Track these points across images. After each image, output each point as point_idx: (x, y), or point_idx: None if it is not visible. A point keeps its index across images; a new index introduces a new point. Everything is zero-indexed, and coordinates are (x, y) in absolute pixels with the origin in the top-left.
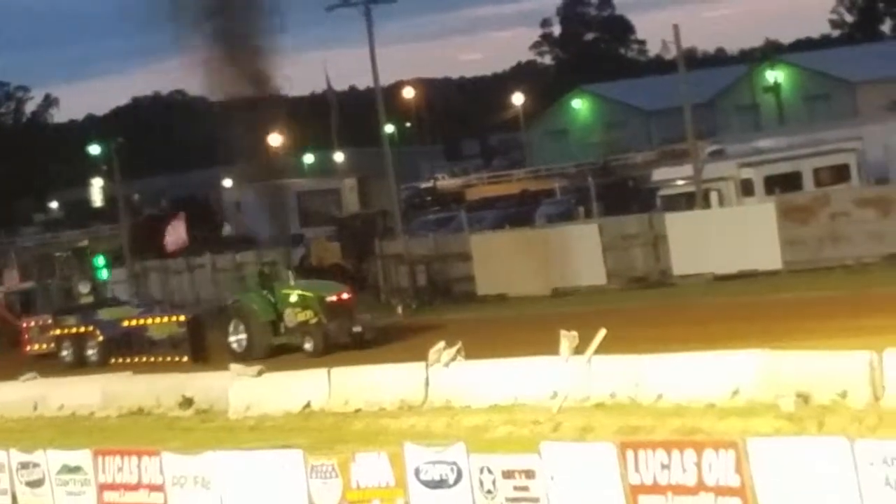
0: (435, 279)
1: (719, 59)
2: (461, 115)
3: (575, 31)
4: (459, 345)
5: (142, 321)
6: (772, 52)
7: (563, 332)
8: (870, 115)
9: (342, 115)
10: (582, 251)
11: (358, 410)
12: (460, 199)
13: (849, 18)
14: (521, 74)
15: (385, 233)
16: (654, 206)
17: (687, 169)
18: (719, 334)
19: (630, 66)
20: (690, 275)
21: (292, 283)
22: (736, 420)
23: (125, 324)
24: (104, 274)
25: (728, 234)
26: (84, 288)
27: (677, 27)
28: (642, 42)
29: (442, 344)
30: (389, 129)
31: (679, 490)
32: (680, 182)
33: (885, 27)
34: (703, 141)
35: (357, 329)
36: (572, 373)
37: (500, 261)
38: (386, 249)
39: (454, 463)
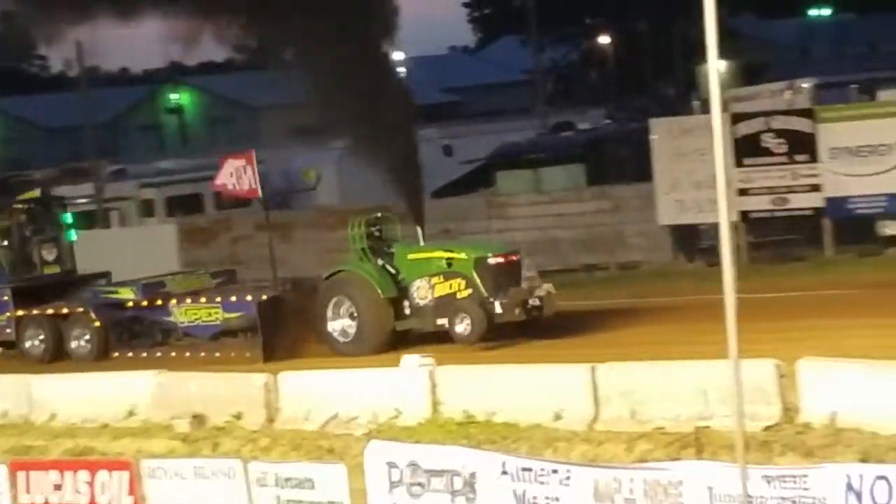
0: None
1: (124, 78)
2: None
3: None
4: None
5: (159, 301)
6: (176, 74)
7: None
8: (271, 140)
9: None
10: None
11: None
12: None
13: (251, 45)
14: None
15: None
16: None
17: (88, 187)
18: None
19: (31, 82)
20: None
21: (422, 242)
22: (130, 441)
23: (130, 304)
24: (73, 235)
25: (129, 254)
26: (49, 254)
27: (81, 44)
28: (44, 57)
29: None
30: None
31: None
32: (81, 200)
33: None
34: (105, 160)
35: (534, 302)
36: None
37: None
38: None
39: None
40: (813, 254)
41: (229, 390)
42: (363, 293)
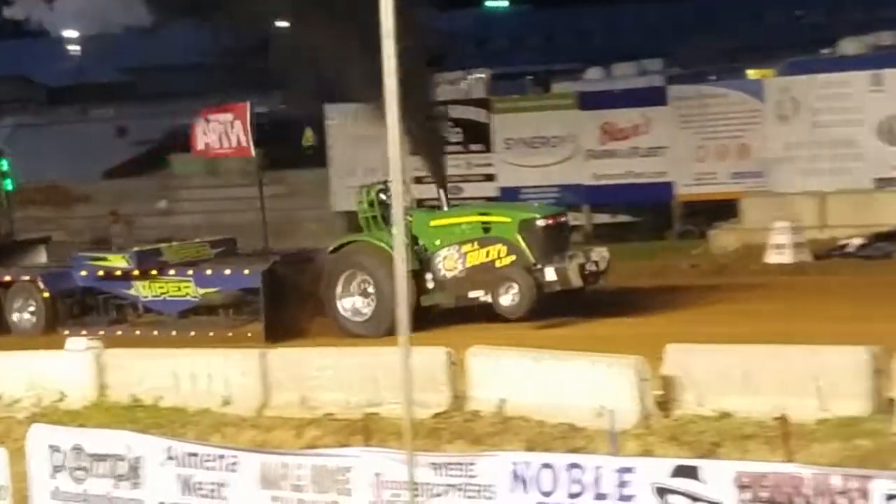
0: None
1: None
2: None
3: None
4: None
5: (118, 272)
6: None
7: None
8: None
9: None
10: None
11: None
12: None
13: None
14: None
15: None
16: None
17: None
18: None
19: None
20: None
21: (447, 208)
22: None
23: (83, 273)
24: (10, 185)
25: None
26: None
27: None
28: None
29: None
30: None
31: None
32: None
33: None
34: None
35: (592, 267)
36: None
37: None
38: None
39: None
40: None
41: None
42: (382, 266)
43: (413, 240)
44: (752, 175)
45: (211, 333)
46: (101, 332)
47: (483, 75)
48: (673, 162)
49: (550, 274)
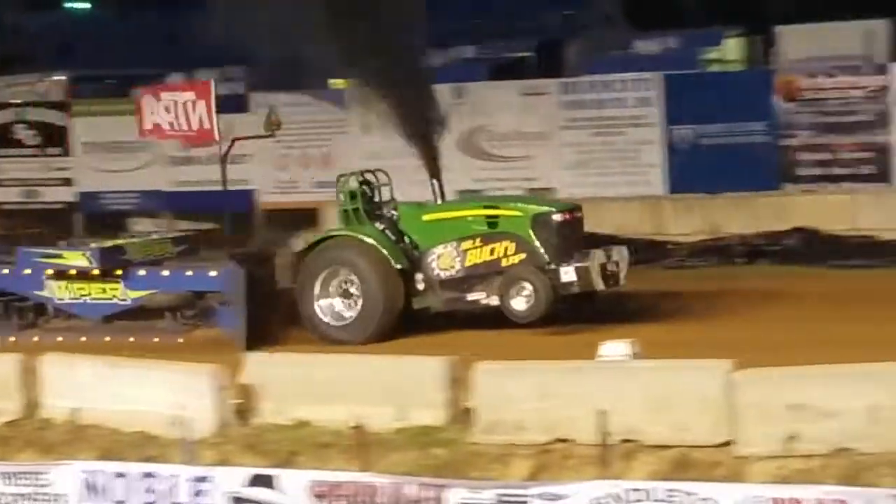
0: None
1: None
2: None
3: None
4: None
5: (28, 269)
6: None
7: None
8: None
9: None
10: None
11: None
12: None
13: None
14: None
15: None
16: None
17: None
18: None
19: None
20: None
21: (441, 201)
22: None
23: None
24: None
25: None
26: None
27: None
28: None
29: None
30: None
31: None
32: None
33: None
34: None
35: (612, 267)
36: None
37: None
38: None
39: None
40: None
41: None
42: (370, 264)
43: (400, 236)
44: (334, 185)
45: (156, 339)
46: (12, 339)
47: (62, 77)
48: (256, 170)
49: (569, 274)
